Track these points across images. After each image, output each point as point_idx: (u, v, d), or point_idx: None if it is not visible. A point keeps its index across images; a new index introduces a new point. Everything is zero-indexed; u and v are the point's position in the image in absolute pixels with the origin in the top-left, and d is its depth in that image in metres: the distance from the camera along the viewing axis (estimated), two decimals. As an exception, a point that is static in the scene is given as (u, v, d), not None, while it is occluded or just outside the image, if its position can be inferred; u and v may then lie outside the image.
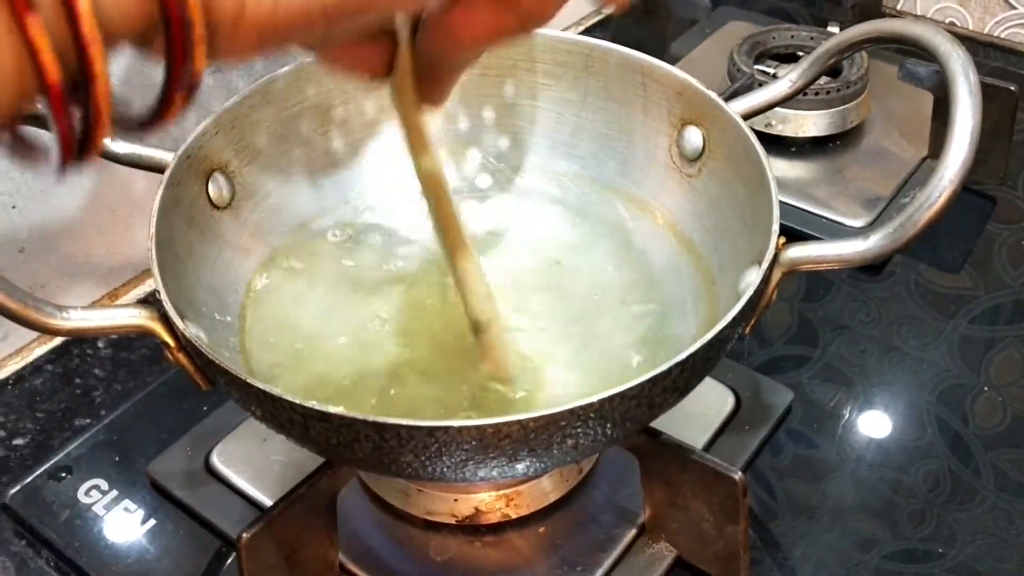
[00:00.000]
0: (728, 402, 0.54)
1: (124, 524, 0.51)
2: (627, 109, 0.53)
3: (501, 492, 0.48)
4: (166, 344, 0.41)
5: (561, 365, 0.47)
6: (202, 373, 0.41)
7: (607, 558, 0.48)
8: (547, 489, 0.49)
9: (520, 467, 0.38)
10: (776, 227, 0.42)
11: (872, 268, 0.65)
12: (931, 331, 0.61)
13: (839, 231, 0.66)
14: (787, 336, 0.61)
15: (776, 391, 0.56)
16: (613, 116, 0.54)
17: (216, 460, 0.52)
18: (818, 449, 0.54)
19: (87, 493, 0.52)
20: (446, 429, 0.34)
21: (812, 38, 0.78)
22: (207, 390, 0.42)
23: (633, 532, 0.48)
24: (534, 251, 0.53)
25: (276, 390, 0.36)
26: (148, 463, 0.53)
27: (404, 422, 0.34)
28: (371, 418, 0.35)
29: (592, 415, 0.36)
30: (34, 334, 0.61)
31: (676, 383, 0.38)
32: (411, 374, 0.46)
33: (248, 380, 0.36)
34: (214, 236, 0.48)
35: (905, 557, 0.49)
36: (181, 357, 0.41)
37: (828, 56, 0.49)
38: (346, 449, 0.36)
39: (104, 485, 0.53)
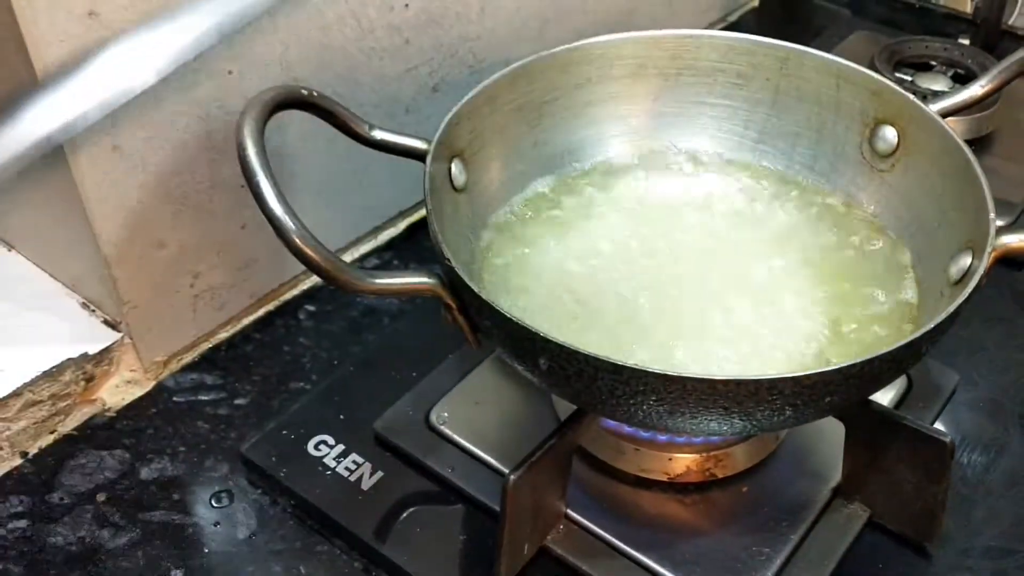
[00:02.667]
0: (901, 383, 0.59)
1: (354, 474, 0.56)
2: (817, 108, 0.58)
3: (711, 453, 0.53)
4: (448, 306, 0.46)
5: (765, 342, 0.52)
6: (475, 333, 0.46)
7: (807, 516, 0.52)
8: (750, 452, 0.54)
9: (760, 422, 0.43)
10: (993, 215, 0.46)
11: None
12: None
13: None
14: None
15: (944, 373, 0.60)
16: (803, 115, 0.59)
17: (435, 419, 0.57)
18: (984, 428, 0.59)
19: (316, 447, 0.57)
20: (740, 382, 0.39)
21: (945, 49, 0.82)
22: (476, 348, 0.47)
23: (828, 494, 0.53)
24: (725, 238, 0.58)
25: (570, 343, 0.41)
26: (371, 421, 0.58)
27: (693, 375, 0.39)
28: (663, 371, 0.39)
29: (847, 378, 0.40)
30: (244, 304, 0.66)
31: (909, 354, 0.43)
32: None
33: (542, 333, 0.41)
34: (455, 215, 0.53)
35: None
36: (460, 317, 0.46)
37: (1019, 66, 0.54)
38: (627, 400, 0.41)
39: (331, 440, 0.58)
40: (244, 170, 0.43)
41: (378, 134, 0.52)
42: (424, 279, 0.45)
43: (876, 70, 0.79)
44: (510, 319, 0.42)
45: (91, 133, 0.52)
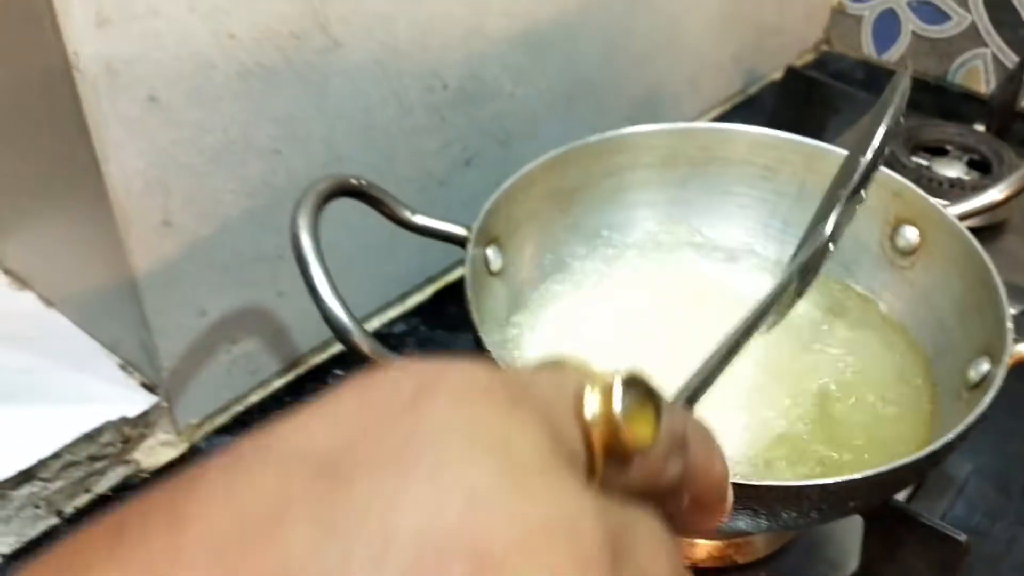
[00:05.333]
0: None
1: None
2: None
3: (733, 540, 0.54)
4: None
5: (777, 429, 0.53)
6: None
7: (822, 604, 0.54)
8: (770, 539, 0.55)
9: (785, 522, 0.44)
10: (1011, 324, 0.48)
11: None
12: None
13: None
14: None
15: (957, 462, 0.62)
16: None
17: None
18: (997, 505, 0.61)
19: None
20: (772, 488, 0.40)
21: (961, 135, 0.84)
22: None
23: (844, 582, 0.55)
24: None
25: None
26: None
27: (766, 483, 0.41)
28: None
29: (872, 485, 0.42)
30: (276, 368, 0.68)
31: (930, 463, 0.44)
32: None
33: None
34: (491, 299, 0.55)
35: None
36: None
37: (1041, 172, 0.56)
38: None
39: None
40: (298, 261, 0.45)
41: (419, 219, 0.54)
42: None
43: (892, 154, 0.81)
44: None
45: (143, 209, 0.54)
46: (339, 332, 0.44)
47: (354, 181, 0.50)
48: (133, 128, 0.51)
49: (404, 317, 0.75)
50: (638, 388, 0.23)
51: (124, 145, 0.51)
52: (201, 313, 0.60)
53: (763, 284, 0.62)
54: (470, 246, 0.52)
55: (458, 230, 0.54)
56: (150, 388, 0.62)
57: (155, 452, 0.63)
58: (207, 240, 0.58)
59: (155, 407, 0.61)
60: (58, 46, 0.47)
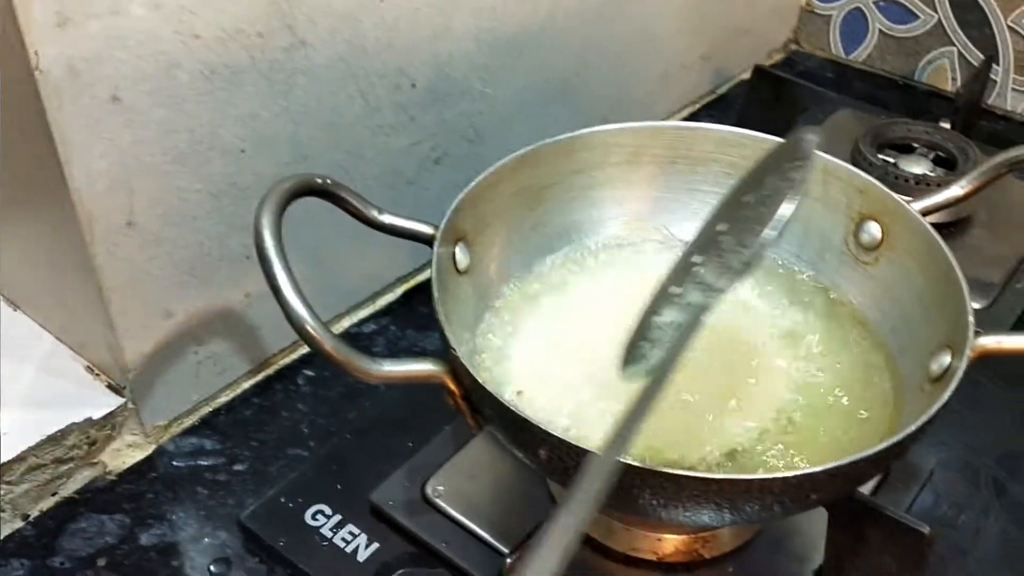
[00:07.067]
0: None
1: (350, 545, 0.57)
2: (806, 200, 0.60)
3: (699, 535, 0.55)
4: (451, 392, 0.48)
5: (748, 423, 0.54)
6: (476, 417, 0.48)
7: (789, 598, 0.54)
8: (736, 533, 0.56)
9: (748, 516, 0.45)
10: (971, 319, 0.49)
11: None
12: None
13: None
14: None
15: (923, 453, 0.62)
16: (791, 206, 0.61)
17: (430, 492, 0.59)
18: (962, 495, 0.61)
19: (313, 517, 0.59)
20: (734, 481, 0.41)
21: (927, 132, 0.85)
22: (477, 433, 0.49)
23: (810, 574, 0.55)
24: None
25: (569, 437, 0.42)
26: (368, 491, 0.59)
27: (688, 473, 0.41)
28: (660, 468, 0.41)
29: (833, 477, 0.43)
30: (244, 369, 0.67)
31: (892, 455, 0.45)
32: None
33: (542, 427, 0.43)
34: (458, 298, 0.55)
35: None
36: (462, 403, 0.48)
37: (1001, 167, 0.57)
38: (624, 494, 0.43)
39: (328, 510, 0.59)
40: (261, 260, 0.45)
41: (386, 218, 0.54)
42: (430, 367, 0.47)
43: (859, 151, 0.82)
44: (511, 410, 0.44)
45: (107, 210, 0.53)
46: (302, 332, 0.44)
47: (319, 180, 0.50)
48: (96, 128, 0.51)
49: (374, 316, 0.75)
50: None
51: (87, 145, 0.51)
52: (167, 314, 0.60)
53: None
54: (436, 244, 0.52)
55: (425, 228, 0.54)
56: (116, 390, 0.62)
57: (122, 454, 0.62)
58: (172, 241, 0.58)
59: (121, 408, 0.61)
60: (19, 46, 0.47)
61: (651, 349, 0.42)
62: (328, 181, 0.51)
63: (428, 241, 0.53)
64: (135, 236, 0.55)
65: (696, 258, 0.44)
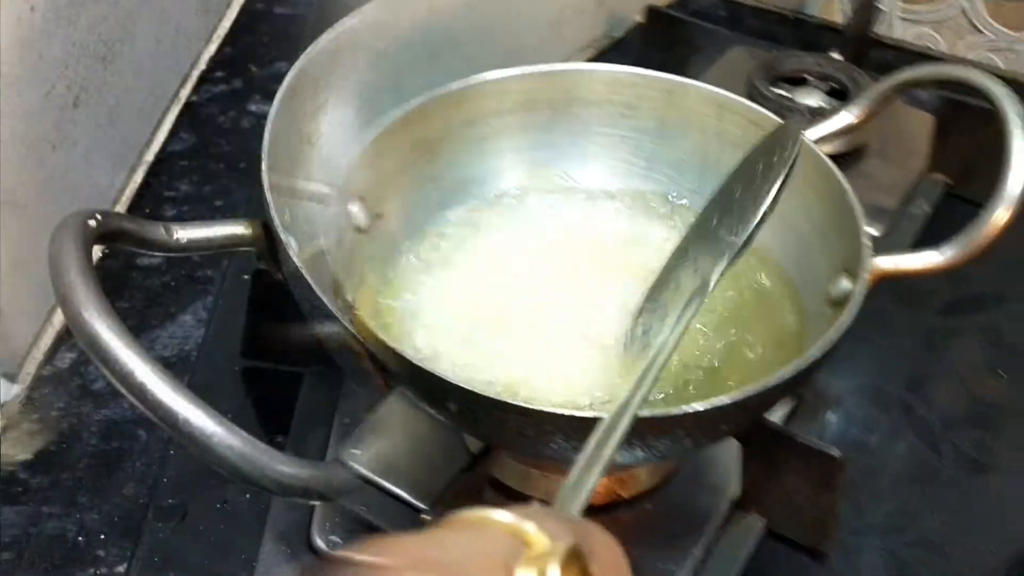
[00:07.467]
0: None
1: (267, 517, 0.56)
2: (701, 136, 0.61)
3: (616, 476, 0.55)
4: (357, 353, 0.47)
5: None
6: (384, 374, 0.47)
7: (708, 530, 0.55)
8: (654, 471, 0.56)
9: (661, 453, 0.45)
10: (866, 241, 0.49)
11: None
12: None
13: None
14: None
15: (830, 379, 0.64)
16: (687, 143, 0.61)
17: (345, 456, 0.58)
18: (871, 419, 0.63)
19: (227, 491, 0.57)
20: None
21: (818, 64, 0.86)
22: (387, 390, 0.48)
23: (728, 507, 0.56)
24: (620, 263, 0.60)
25: (477, 388, 0.42)
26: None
27: (598, 415, 0.41)
28: (569, 412, 0.41)
29: (740, 408, 0.43)
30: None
31: (797, 382, 0.45)
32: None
33: (450, 379, 0.43)
34: (358, 256, 0.54)
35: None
36: (369, 364, 0.47)
37: (890, 90, 0.58)
38: (535, 440, 0.43)
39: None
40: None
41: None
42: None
43: (754, 86, 0.82)
44: (417, 366, 0.43)
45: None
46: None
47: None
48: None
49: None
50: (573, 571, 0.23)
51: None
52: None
53: (637, 223, 0.62)
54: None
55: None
56: (9, 377, 0.59)
57: (21, 443, 0.60)
58: None
59: (15, 398, 0.59)
60: None
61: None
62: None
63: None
64: None
65: (693, 244, 0.52)
